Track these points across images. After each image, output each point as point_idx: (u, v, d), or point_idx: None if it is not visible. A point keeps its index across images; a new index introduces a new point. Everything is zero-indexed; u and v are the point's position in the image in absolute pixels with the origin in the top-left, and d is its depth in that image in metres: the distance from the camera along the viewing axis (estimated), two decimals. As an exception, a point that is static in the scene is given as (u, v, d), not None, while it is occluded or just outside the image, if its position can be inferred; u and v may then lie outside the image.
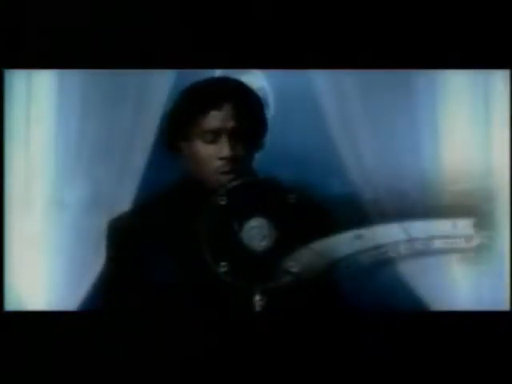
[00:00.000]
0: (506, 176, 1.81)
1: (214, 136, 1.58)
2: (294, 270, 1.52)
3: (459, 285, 1.92)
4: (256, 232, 1.53)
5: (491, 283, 1.86)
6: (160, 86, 1.97)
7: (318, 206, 1.64)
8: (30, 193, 1.92)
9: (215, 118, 1.58)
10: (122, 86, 1.95)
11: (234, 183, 1.54)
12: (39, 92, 1.91)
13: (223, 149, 1.57)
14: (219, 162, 1.58)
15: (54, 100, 1.92)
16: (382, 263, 1.58)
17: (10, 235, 1.84)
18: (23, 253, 1.90)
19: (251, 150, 1.63)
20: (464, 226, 1.58)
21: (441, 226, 1.58)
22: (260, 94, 1.65)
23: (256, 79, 2.02)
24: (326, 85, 1.98)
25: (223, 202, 1.53)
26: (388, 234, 1.57)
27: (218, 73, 1.85)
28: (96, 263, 1.91)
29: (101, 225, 1.86)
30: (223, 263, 1.50)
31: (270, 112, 2.03)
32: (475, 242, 1.57)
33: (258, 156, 1.64)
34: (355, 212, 1.82)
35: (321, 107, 2.00)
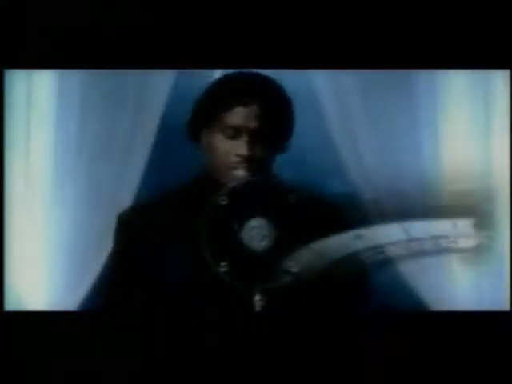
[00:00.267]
0: (506, 176, 1.81)
1: (235, 132, 1.57)
2: (294, 269, 1.52)
3: (459, 285, 1.92)
4: (256, 232, 1.53)
5: (491, 283, 1.86)
6: (160, 85, 1.97)
7: (318, 206, 1.64)
8: (30, 192, 1.92)
9: (238, 115, 1.57)
10: (121, 86, 1.95)
11: (234, 183, 1.54)
12: (39, 92, 1.91)
13: (241, 147, 1.57)
14: (235, 159, 1.57)
15: (54, 100, 1.92)
16: (382, 263, 1.58)
17: (10, 235, 1.84)
18: (23, 253, 1.90)
19: (271, 151, 1.61)
20: (464, 225, 1.58)
21: (441, 226, 1.58)
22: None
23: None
24: (325, 85, 1.98)
25: (223, 202, 1.53)
26: (388, 233, 1.57)
27: (218, 73, 1.85)
28: (96, 263, 1.91)
29: (101, 225, 1.87)
30: (223, 263, 1.50)
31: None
32: (475, 241, 1.57)
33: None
34: (355, 212, 1.82)
35: (321, 107, 2.00)
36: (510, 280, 1.79)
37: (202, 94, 1.62)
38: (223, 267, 1.50)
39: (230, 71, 1.64)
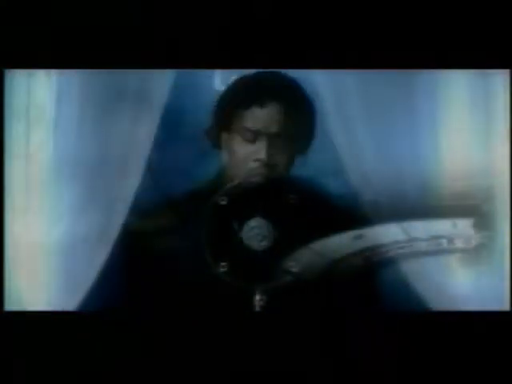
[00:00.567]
0: (506, 176, 1.81)
1: (254, 136, 1.55)
2: (294, 269, 1.52)
3: (459, 285, 1.92)
4: (256, 232, 1.54)
5: (491, 283, 1.86)
6: (160, 86, 1.97)
7: (318, 206, 1.64)
8: (30, 192, 1.92)
9: (258, 119, 1.55)
10: (121, 86, 1.95)
11: (234, 183, 1.54)
12: (39, 92, 1.91)
13: (260, 151, 1.55)
14: (254, 164, 1.56)
15: (54, 100, 1.92)
16: (382, 263, 1.58)
17: (9, 235, 1.84)
18: (23, 253, 1.89)
19: (291, 155, 1.60)
20: (464, 225, 1.58)
21: (441, 226, 1.58)
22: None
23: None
24: (326, 85, 1.98)
25: (223, 202, 1.53)
26: (388, 233, 1.57)
27: (218, 73, 1.84)
28: (96, 263, 1.91)
29: (101, 225, 1.86)
30: (223, 263, 1.51)
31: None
32: (475, 241, 1.57)
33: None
34: (355, 212, 1.82)
35: (321, 107, 2.00)
36: (510, 280, 1.78)
37: (220, 97, 1.59)
38: (223, 267, 1.51)
39: (246, 71, 1.61)
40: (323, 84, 1.99)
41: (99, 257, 1.88)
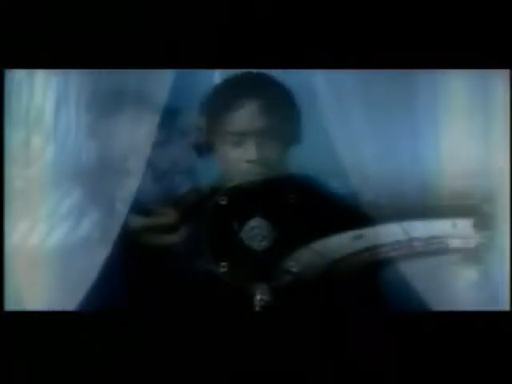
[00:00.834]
0: (506, 176, 1.81)
1: (240, 138, 1.55)
2: (294, 269, 1.52)
3: (459, 285, 1.92)
4: (256, 232, 1.54)
5: (491, 283, 1.86)
6: (160, 86, 1.97)
7: (318, 206, 1.64)
8: (30, 191, 1.92)
9: (239, 121, 1.55)
10: (121, 86, 1.95)
11: (234, 183, 1.54)
12: (39, 92, 1.91)
13: (250, 152, 1.55)
14: (246, 165, 1.56)
15: (54, 100, 1.92)
16: (382, 263, 1.58)
17: (10, 235, 1.84)
18: (23, 253, 1.90)
19: (283, 148, 1.59)
20: (464, 225, 1.58)
21: (441, 226, 1.58)
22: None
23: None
24: (325, 85, 1.98)
25: (223, 202, 1.53)
26: (388, 233, 1.57)
27: (218, 73, 1.85)
28: (96, 263, 1.91)
29: (101, 225, 1.86)
30: (223, 263, 1.51)
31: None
32: (475, 241, 1.58)
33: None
34: (355, 212, 1.82)
35: (321, 107, 2.00)
36: (510, 280, 1.78)
37: (201, 107, 1.60)
38: (223, 267, 1.51)
39: (246, 71, 1.60)
40: (323, 84, 1.99)
41: (99, 257, 1.89)
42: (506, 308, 1.69)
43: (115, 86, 1.94)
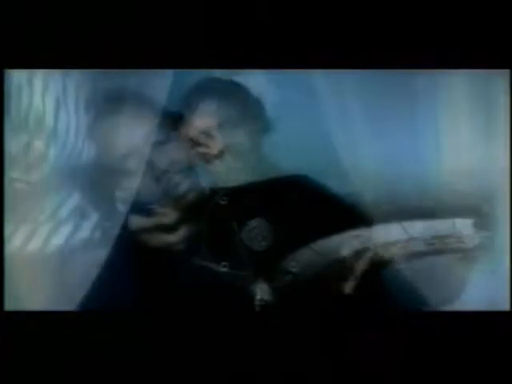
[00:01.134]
0: (506, 176, 1.81)
1: (205, 139, 1.56)
2: (294, 269, 1.52)
3: (459, 285, 1.92)
4: (256, 232, 1.54)
5: (491, 283, 1.86)
6: (159, 86, 1.97)
7: (318, 206, 1.64)
8: (30, 191, 1.92)
9: (198, 123, 1.57)
10: (121, 86, 1.95)
11: (235, 183, 1.55)
12: (39, 92, 1.91)
13: (214, 146, 1.56)
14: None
15: (54, 100, 1.92)
16: (382, 263, 1.58)
17: (9, 234, 1.84)
18: (23, 253, 1.90)
19: (249, 134, 1.60)
20: (464, 225, 1.58)
21: (441, 226, 1.58)
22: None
23: (255, 79, 2.02)
24: (326, 85, 1.98)
25: (223, 202, 1.53)
26: (388, 233, 1.57)
27: (218, 73, 1.85)
28: (96, 264, 1.91)
29: (101, 225, 1.86)
30: (223, 263, 1.51)
31: (269, 112, 2.02)
32: (475, 241, 1.58)
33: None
34: (355, 212, 1.82)
35: (321, 107, 2.00)
36: (509, 280, 1.78)
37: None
38: (223, 267, 1.51)
39: (246, 72, 1.60)
40: (323, 84, 1.99)
41: (99, 257, 1.89)
42: (506, 308, 1.69)
43: (115, 86, 1.94)
